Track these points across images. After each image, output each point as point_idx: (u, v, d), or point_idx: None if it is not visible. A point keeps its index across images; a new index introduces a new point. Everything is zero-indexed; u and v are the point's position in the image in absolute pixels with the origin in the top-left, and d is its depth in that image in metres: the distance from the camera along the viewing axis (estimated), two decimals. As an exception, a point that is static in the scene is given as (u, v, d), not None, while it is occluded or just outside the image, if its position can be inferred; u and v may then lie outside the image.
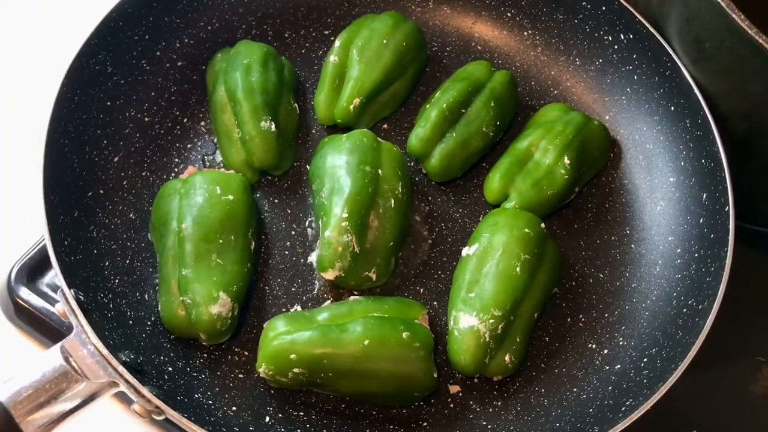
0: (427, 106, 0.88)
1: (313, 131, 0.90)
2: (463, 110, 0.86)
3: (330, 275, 0.76)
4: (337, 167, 0.79)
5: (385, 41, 0.88)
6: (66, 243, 0.73)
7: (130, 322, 0.75)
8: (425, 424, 0.74)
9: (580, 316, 0.81)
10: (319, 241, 0.77)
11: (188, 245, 0.75)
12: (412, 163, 0.87)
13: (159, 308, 0.76)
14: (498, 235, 0.78)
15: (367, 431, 0.74)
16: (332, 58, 0.89)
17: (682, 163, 0.85)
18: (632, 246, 0.85)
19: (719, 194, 0.79)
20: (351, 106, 0.86)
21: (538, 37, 0.97)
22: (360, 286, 0.79)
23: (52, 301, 0.81)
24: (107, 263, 0.77)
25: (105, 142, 0.83)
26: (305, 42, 0.95)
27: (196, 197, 0.77)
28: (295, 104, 0.89)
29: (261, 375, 0.72)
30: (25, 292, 0.82)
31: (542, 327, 0.80)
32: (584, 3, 0.92)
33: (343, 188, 0.77)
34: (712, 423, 0.83)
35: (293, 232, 0.83)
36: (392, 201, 0.79)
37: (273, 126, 0.83)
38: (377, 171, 0.79)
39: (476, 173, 0.88)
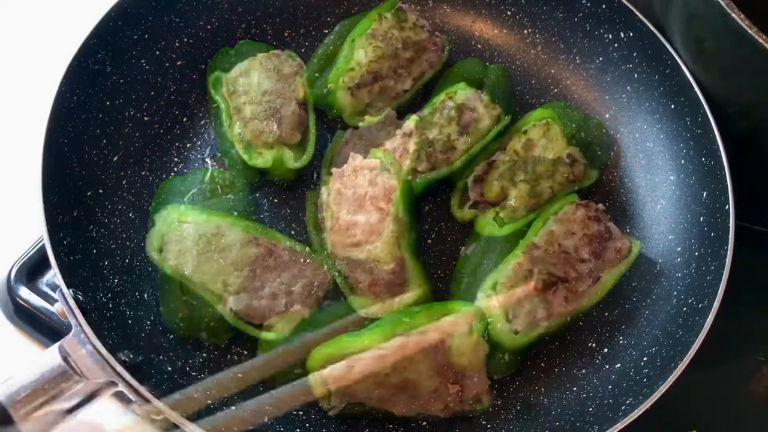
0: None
1: (313, 131, 0.90)
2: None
3: None
4: None
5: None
6: (65, 243, 0.73)
7: (129, 321, 0.74)
8: (425, 423, 0.74)
9: (580, 314, 0.81)
10: None
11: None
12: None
13: (160, 308, 0.76)
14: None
15: (367, 431, 0.74)
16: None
17: (683, 162, 0.85)
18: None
19: (719, 192, 0.79)
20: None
21: (537, 36, 0.96)
22: None
23: (52, 301, 0.81)
24: (106, 263, 0.77)
25: (104, 141, 0.83)
26: (305, 41, 0.95)
27: (197, 196, 0.77)
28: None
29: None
30: (24, 292, 0.82)
31: (542, 326, 0.80)
32: (584, 1, 0.91)
33: None
34: (712, 422, 0.83)
35: (293, 232, 0.83)
36: None
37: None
38: None
39: (476, 172, 0.88)
